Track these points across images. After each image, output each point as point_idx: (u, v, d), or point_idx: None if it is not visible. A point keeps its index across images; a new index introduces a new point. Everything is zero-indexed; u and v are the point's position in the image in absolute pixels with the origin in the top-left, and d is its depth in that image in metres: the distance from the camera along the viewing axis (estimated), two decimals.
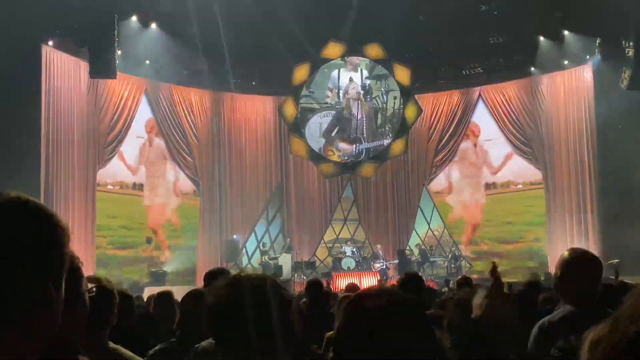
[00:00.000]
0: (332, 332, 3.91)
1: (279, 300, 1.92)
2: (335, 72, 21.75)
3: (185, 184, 21.50)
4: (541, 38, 19.85)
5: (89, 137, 18.16)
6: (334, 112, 21.85)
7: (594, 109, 19.40)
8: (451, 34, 19.36)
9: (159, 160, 20.86)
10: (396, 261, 20.79)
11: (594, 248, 18.57)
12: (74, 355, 1.82)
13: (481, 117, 22.51)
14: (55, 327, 1.03)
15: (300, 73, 21.36)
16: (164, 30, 19.00)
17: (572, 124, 20.20)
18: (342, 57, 21.49)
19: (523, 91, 21.42)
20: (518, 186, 21.96)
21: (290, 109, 21.54)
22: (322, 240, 21.75)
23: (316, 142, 21.65)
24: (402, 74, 21.47)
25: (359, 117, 21.86)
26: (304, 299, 6.37)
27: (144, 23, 18.65)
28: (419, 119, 22.09)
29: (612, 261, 14.87)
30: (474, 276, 14.90)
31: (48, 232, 1.00)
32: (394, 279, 17.81)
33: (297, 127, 21.58)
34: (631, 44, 16.59)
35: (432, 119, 22.99)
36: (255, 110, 22.93)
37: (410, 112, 21.77)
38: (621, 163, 17.34)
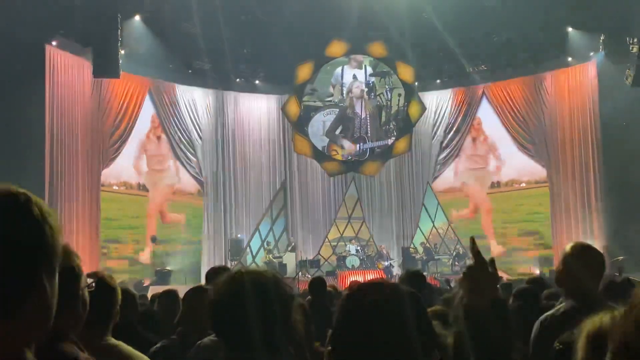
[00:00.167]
0: None
1: (279, 296, 1.92)
2: (339, 69, 21.74)
3: (190, 183, 21.52)
4: (545, 35, 19.79)
5: (93, 137, 18.18)
6: (337, 110, 21.84)
7: (598, 105, 19.34)
8: (455, 31, 19.31)
9: (163, 159, 20.89)
10: (400, 259, 20.76)
11: (598, 245, 18.53)
12: (73, 351, 1.81)
13: (485, 114, 22.48)
14: (50, 318, 1.03)
15: (304, 71, 21.36)
16: (167, 29, 19.00)
17: (577, 121, 20.14)
18: (346, 55, 21.49)
19: (527, 88, 21.36)
20: (522, 184, 21.92)
21: (293, 108, 21.54)
22: (326, 239, 21.74)
23: (319, 140, 21.66)
24: (406, 72, 21.46)
25: (363, 116, 21.85)
26: (309, 297, 6.37)
27: (148, 22, 18.66)
28: (422, 116, 22.09)
29: (617, 258, 14.85)
30: None
31: (39, 223, 1.00)
32: (398, 277, 17.79)
33: (300, 125, 21.59)
34: (635, 40, 16.54)
35: (436, 117, 22.97)
36: (258, 109, 22.93)
37: (414, 110, 21.77)
38: (626, 160, 17.28)
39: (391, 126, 21.91)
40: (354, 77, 21.81)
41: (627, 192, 17.32)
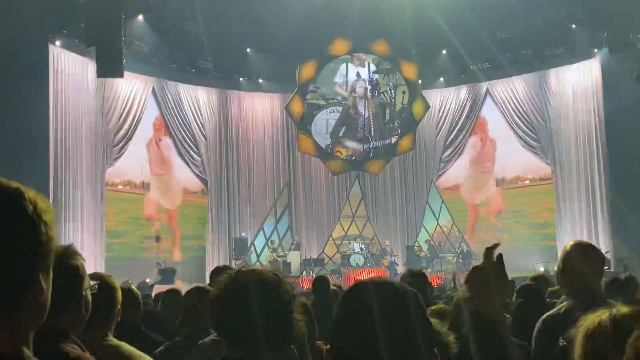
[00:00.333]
0: None
1: (279, 294, 1.92)
2: (342, 67, 21.73)
3: (194, 182, 21.56)
4: (549, 32, 19.75)
5: (97, 137, 18.21)
6: (340, 108, 21.83)
7: (602, 102, 19.29)
8: (458, 28, 19.27)
9: (167, 158, 20.93)
10: (404, 257, 20.75)
11: (604, 242, 18.51)
12: (75, 351, 1.82)
13: (489, 112, 22.46)
14: (45, 314, 1.04)
15: (307, 70, 21.36)
16: (171, 29, 19.03)
17: (581, 118, 20.10)
18: (349, 53, 21.48)
19: (531, 86, 21.33)
20: (526, 182, 21.90)
21: (297, 106, 21.54)
22: (331, 237, 21.74)
23: (323, 139, 21.66)
24: (409, 70, 21.46)
25: (366, 115, 21.84)
26: (312, 295, 6.36)
27: (151, 22, 18.69)
28: (426, 114, 22.09)
29: (623, 257, 14.83)
30: None
31: (33, 221, 1.00)
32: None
33: (304, 124, 21.59)
34: (639, 36, 16.49)
35: (440, 115, 22.96)
36: (262, 108, 22.96)
37: (417, 108, 21.76)
38: (631, 157, 17.23)
39: (395, 124, 21.91)
40: (357, 75, 21.80)
41: (632, 189, 17.26)
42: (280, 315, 1.90)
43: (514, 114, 21.75)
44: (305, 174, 23.21)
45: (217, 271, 4.24)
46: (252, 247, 20.80)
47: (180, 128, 20.96)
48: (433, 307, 3.09)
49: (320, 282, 6.44)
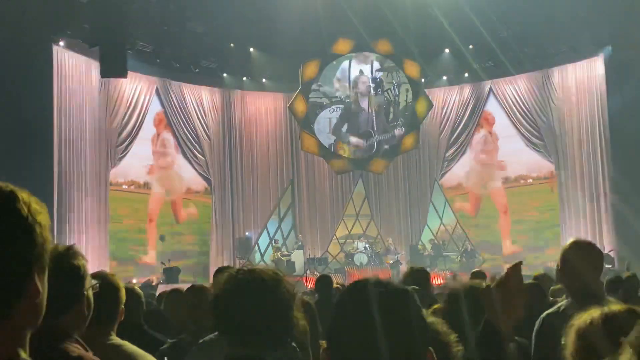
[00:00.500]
0: None
1: (280, 293, 1.94)
2: (345, 64, 21.70)
3: (197, 181, 21.57)
4: (552, 30, 19.69)
5: (101, 136, 18.25)
6: (343, 106, 21.81)
7: (607, 100, 19.23)
8: (461, 27, 19.25)
9: (171, 158, 20.95)
10: (408, 255, 20.75)
11: (607, 240, 18.49)
12: (77, 351, 1.84)
13: (492, 110, 22.42)
14: (41, 316, 1.05)
15: (310, 69, 21.37)
16: (174, 28, 19.04)
17: (585, 116, 20.06)
18: (352, 52, 21.47)
19: (534, 84, 21.28)
20: (529, 180, 21.86)
21: (300, 106, 21.54)
22: (334, 236, 21.75)
23: (326, 138, 21.65)
24: (412, 69, 21.44)
25: (369, 111, 21.83)
26: (316, 294, 6.39)
27: (154, 22, 18.69)
28: (429, 113, 22.07)
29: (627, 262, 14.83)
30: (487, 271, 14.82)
31: (28, 223, 1.00)
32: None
33: (307, 123, 21.59)
34: None
35: (443, 113, 22.93)
36: (265, 107, 22.97)
37: (420, 106, 21.74)
38: (635, 155, 17.18)
39: (399, 122, 21.90)
40: (360, 72, 21.78)
41: (637, 187, 17.21)
42: (280, 314, 1.92)
43: (517, 112, 21.71)
44: (308, 173, 23.21)
45: (220, 272, 4.25)
46: (256, 246, 20.82)
47: (183, 127, 20.98)
48: (434, 307, 3.10)
49: (323, 281, 6.48)
